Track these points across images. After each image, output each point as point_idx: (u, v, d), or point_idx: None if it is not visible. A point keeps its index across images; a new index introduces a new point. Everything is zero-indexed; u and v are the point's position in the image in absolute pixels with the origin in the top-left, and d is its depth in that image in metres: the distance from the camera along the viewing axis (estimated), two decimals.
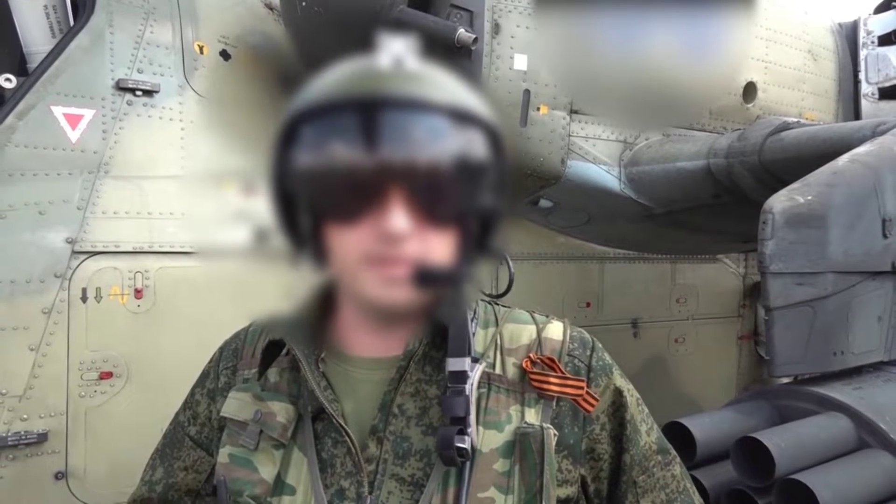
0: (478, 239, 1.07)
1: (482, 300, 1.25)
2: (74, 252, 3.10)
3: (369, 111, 0.97)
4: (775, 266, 2.45)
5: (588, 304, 4.79)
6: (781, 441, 2.18)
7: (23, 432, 2.96)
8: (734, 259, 5.65)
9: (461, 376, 1.08)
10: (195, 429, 1.33)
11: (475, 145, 1.00)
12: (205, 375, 1.34)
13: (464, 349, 1.09)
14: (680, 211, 4.16)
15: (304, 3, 3.37)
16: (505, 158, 1.04)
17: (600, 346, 1.25)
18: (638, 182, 4.04)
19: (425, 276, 1.01)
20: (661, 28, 3.92)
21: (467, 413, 1.06)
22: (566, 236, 4.74)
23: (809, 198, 2.54)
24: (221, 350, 1.34)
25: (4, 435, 2.94)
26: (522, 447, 1.09)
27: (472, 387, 1.08)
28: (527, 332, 1.20)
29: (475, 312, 1.20)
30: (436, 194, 0.99)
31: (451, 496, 1.06)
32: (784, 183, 2.75)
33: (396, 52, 1.00)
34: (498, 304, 1.27)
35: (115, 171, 3.26)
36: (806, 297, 2.51)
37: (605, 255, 4.93)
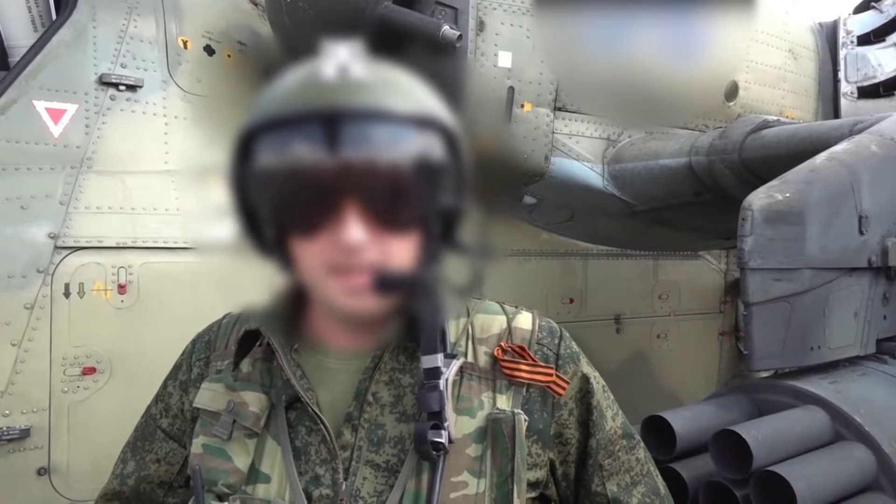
0: (442, 238, 1.08)
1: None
2: (57, 247, 3.09)
3: (316, 125, 0.97)
4: (754, 262, 2.49)
5: (571, 301, 4.83)
6: (759, 434, 2.21)
7: (5, 428, 2.95)
8: (716, 256, 5.71)
9: (435, 372, 1.10)
10: (167, 421, 1.34)
11: (427, 148, 1.00)
12: (177, 367, 1.36)
13: (435, 346, 1.11)
14: (662, 208, 4.19)
15: (289, 0, 3.37)
16: (461, 156, 1.05)
17: (567, 335, 1.29)
18: (621, 179, 4.08)
19: (386, 283, 1.03)
20: (645, 27, 3.95)
21: (442, 408, 1.08)
22: (549, 233, 4.77)
23: (788, 195, 2.58)
24: (194, 342, 1.36)
25: None
26: (494, 432, 1.13)
27: (446, 382, 1.10)
28: (497, 322, 1.24)
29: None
30: (390, 202, 1.00)
31: (426, 481, 1.09)
32: (764, 180, 2.79)
33: (341, 60, 0.99)
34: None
35: (98, 166, 3.24)
36: (784, 293, 2.55)
37: (589, 252, 4.97)
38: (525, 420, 1.15)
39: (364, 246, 1.00)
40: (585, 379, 1.27)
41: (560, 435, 1.24)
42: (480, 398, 1.16)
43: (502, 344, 1.20)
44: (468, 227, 1.10)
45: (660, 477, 1.35)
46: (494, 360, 1.19)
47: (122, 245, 3.23)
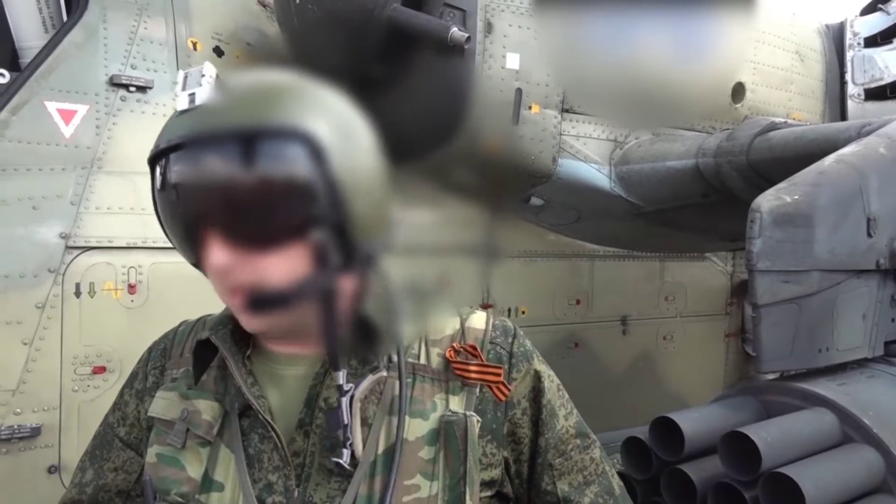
0: (337, 249, 1.03)
1: None
2: (68, 247, 3.11)
3: (165, 160, 1.01)
4: (762, 264, 2.49)
5: (578, 302, 4.84)
6: (767, 435, 2.21)
7: (16, 426, 2.97)
8: (722, 257, 5.70)
9: (339, 389, 1.09)
10: (124, 430, 1.34)
11: (277, 162, 0.97)
12: (133, 376, 1.36)
13: (336, 362, 1.09)
14: (669, 209, 4.20)
15: (297, 1, 3.39)
16: (327, 165, 0.99)
17: (522, 333, 1.29)
18: (628, 181, 4.08)
19: (259, 301, 1.03)
20: (651, 28, 3.96)
21: (343, 427, 1.07)
22: (556, 234, 4.78)
23: (796, 197, 2.58)
24: (150, 350, 1.37)
25: None
26: (446, 434, 1.13)
27: (350, 399, 1.08)
28: (451, 324, 1.24)
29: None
30: (245, 221, 0.98)
31: (378, 485, 1.09)
32: (771, 182, 2.79)
33: (190, 88, 1.00)
34: None
35: (108, 167, 3.26)
36: (792, 295, 2.55)
37: (595, 253, 4.97)
38: (478, 421, 1.15)
39: (229, 268, 1.00)
40: (538, 377, 1.26)
41: (513, 434, 1.24)
42: (433, 400, 1.16)
43: (455, 345, 1.20)
44: (363, 235, 1.05)
45: (616, 477, 1.35)
46: (447, 362, 1.19)
47: (132, 245, 3.25)
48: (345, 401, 1.08)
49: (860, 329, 2.79)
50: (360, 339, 1.14)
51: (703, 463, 2.36)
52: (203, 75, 0.99)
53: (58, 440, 3.08)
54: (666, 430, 2.35)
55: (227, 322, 1.20)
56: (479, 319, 1.26)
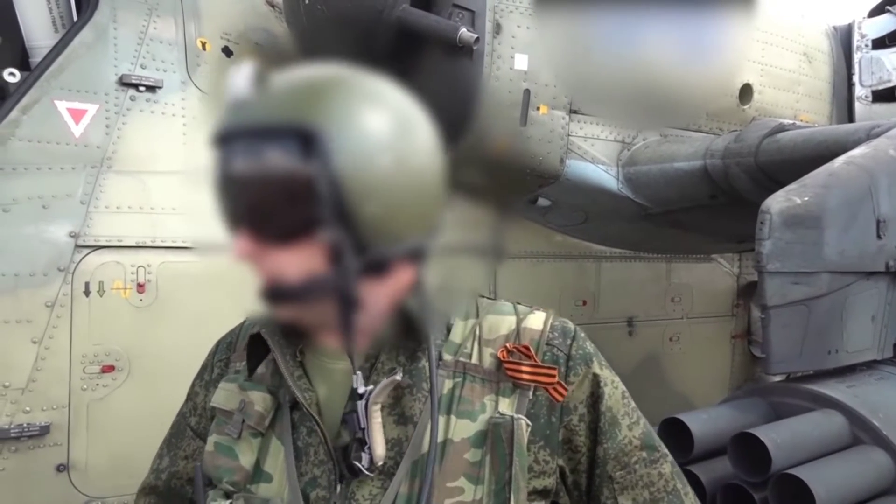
0: (352, 248, 0.98)
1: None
2: (77, 246, 3.12)
3: (213, 150, 1.01)
4: (772, 265, 2.49)
5: (584, 303, 4.83)
6: (777, 437, 2.21)
7: (25, 425, 2.98)
8: (728, 259, 5.70)
9: (354, 393, 1.07)
10: (195, 419, 1.37)
11: (283, 157, 0.95)
12: (204, 368, 1.39)
13: (354, 365, 1.07)
14: (676, 211, 4.20)
15: (306, 2, 3.39)
16: (329, 160, 0.94)
17: (583, 335, 1.23)
18: (635, 182, 4.08)
19: (273, 293, 1.03)
20: (659, 29, 3.96)
21: (362, 430, 1.06)
22: (563, 235, 4.78)
23: (806, 199, 2.58)
24: (218, 343, 1.39)
25: (7, 427, 2.96)
26: (494, 437, 1.09)
27: (366, 402, 1.06)
28: (506, 323, 1.20)
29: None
30: (257, 215, 0.98)
31: (419, 486, 1.07)
32: (779, 184, 2.79)
33: (235, 85, 1.00)
34: (482, 296, 1.26)
35: (117, 166, 3.28)
36: (802, 297, 2.55)
37: (602, 254, 4.97)
38: (528, 425, 1.11)
39: (247, 258, 1.00)
40: (597, 382, 1.20)
41: (569, 441, 1.18)
42: (483, 401, 1.13)
43: (508, 345, 1.16)
44: (377, 231, 0.99)
45: (691, 496, 1.25)
46: (499, 362, 1.15)
47: (141, 244, 3.26)
48: (360, 405, 1.06)
49: (869, 331, 2.79)
50: (402, 337, 1.12)
51: (712, 464, 2.36)
52: (246, 71, 1.01)
53: (66, 439, 3.09)
54: (675, 430, 2.35)
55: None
56: (536, 320, 1.21)
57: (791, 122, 4.08)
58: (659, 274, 5.29)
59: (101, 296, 3.15)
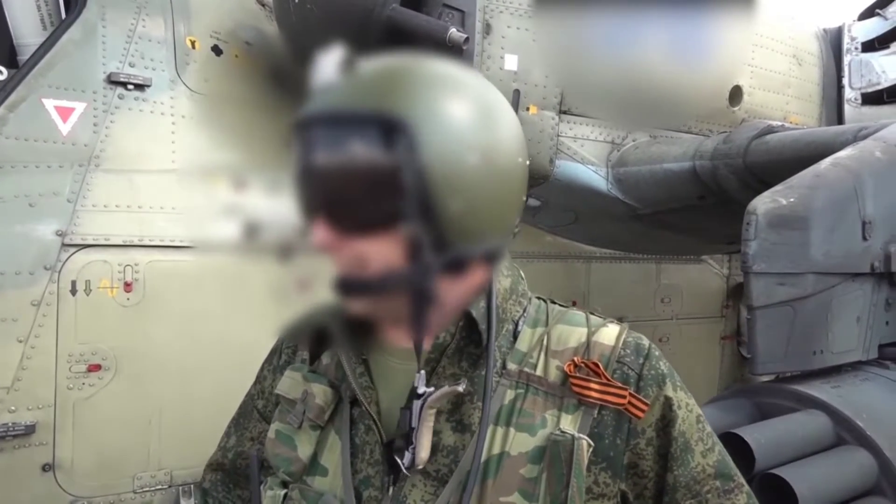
0: (433, 244, 0.96)
1: (537, 298, 1.22)
2: (64, 245, 3.10)
3: (294, 135, 0.99)
4: (758, 266, 2.50)
5: (574, 303, 4.81)
6: (761, 437, 2.22)
7: (10, 424, 2.96)
8: (718, 260, 5.72)
9: (413, 392, 1.06)
10: (262, 402, 1.36)
11: (367, 148, 0.93)
12: (273, 352, 1.38)
13: (420, 362, 1.06)
14: (665, 212, 4.21)
15: (296, 1, 3.39)
16: (418, 152, 0.92)
17: (658, 353, 1.15)
18: (625, 182, 4.09)
19: (346, 286, 1.01)
20: (650, 31, 3.97)
21: (411, 429, 1.04)
22: (553, 235, 4.79)
23: (792, 200, 2.59)
24: None
25: None
26: (552, 455, 1.04)
27: (423, 404, 1.04)
28: (576, 335, 1.15)
29: (525, 311, 1.18)
30: (336, 206, 0.96)
31: (471, 496, 1.05)
32: (768, 185, 2.80)
33: (322, 69, 0.98)
34: (554, 304, 1.22)
35: (105, 165, 3.26)
36: (787, 297, 2.56)
37: (592, 255, 4.98)
38: (590, 446, 1.05)
39: (324, 248, 0.98)
40: (669, 405, 1.11)
41: (635, 466, 1.11)
42: (544, 415, 1.08)
43: (576, 359, 1.10)
44: (460, 229, 0.97)
45: None
46: (565, 376, 1.09)
47: (128, 243, 3.24)
48: (416, 404, 1.04)
49: (854, 332, 2.80)
50: (466, 341, 1.10)
51: None
52: (333, 55, 0.98)
53: (52, 438, 3.06)
54: None
55: (341, 310, 1.15)
56: (609, 334, 1.14)
57: (780, 123, 4.09)
58: (648, 275, 5.30)
59: (87, 295, 3.13)
